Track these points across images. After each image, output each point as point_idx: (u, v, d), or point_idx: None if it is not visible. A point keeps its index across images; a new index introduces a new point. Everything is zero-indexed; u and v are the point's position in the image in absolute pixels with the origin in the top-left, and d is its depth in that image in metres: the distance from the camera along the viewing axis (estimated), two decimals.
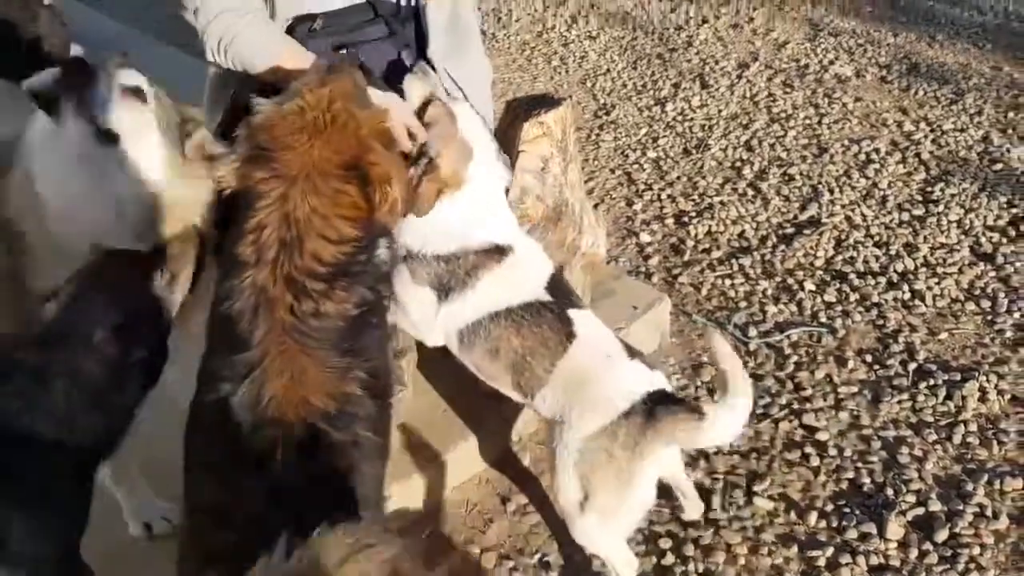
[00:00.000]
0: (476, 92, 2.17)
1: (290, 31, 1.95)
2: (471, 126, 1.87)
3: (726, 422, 1.69)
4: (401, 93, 1.84)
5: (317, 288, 1.41)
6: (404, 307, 1.90)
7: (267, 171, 1.46)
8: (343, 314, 1.43)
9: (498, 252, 1.84)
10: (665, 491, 1.93)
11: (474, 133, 1.87)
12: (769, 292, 2.83)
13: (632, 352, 1.84)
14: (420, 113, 1.86)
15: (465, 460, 2.17)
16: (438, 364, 2.33)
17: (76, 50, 4.11)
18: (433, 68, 2.06)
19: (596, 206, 3.31)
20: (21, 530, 1.32)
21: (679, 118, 3.85)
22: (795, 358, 2.56)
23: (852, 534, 2.02)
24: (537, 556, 2.03)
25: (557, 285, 1.89)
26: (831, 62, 4.21)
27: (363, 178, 1.48)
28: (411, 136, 1.76)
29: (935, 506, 2.07)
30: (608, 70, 4.30)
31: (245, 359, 1.37)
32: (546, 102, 2.22)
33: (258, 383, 1.36)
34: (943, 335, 2.60)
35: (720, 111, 3.87)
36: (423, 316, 1.89)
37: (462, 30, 2.22)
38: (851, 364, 2.52)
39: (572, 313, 1.83)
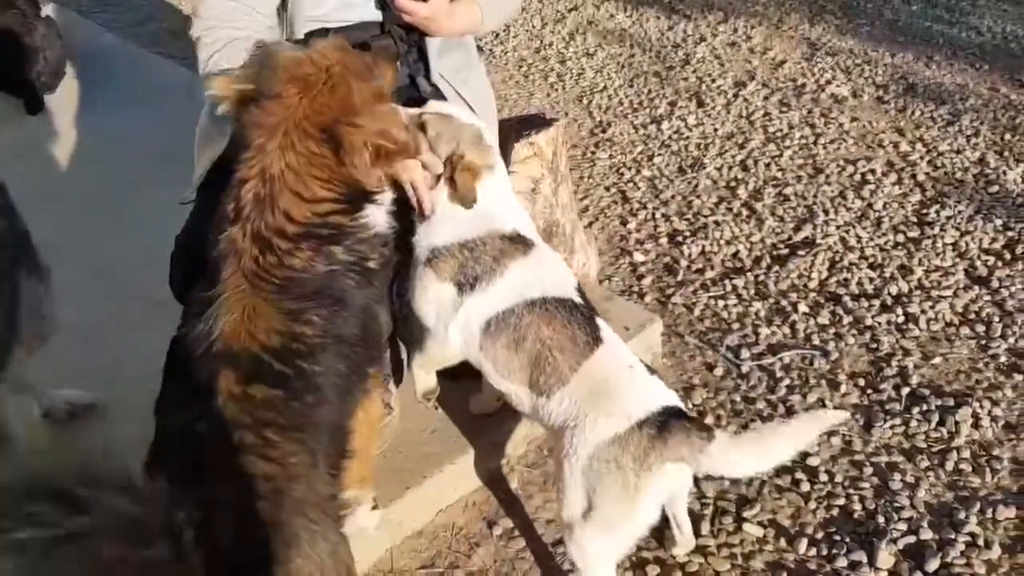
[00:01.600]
0: (482, 110, 2.16)
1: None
2: (468, 115, 1.90)
3: (729, 460, 1.69)
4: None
5: (282, 246, 1.49)
6: (421, 310, 1.90)
7: (254, 115, 1.52)
8: (309, 270, 1.51)
9: (523, 242, 1.86)
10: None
11: (474, 119, 1.90)
12: (762, 314, 2.81)
13: (651, 369, 1.83)
14: (420, 130, 1.84)
15: (451, 483, 2.14)
16: None
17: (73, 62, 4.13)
18: (435, 86, 2.06)
19: (591, 224, 3.30)
20: None
21: (675, 136, 3.84)
22: (787, 381, 2.54)
23: (842, 563, 1.99)
24: None
25: (582, 291, 1.90)
26: (828, 82, 4.20)
27: (338, 142, 1.51)
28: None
29: (926, 534, 2.05)
30: (605, 87, 4.29)
31: (206, 297, 1.48)
32: (537, 122, 2.22)
33: (212, 318, 1.45)
34: (937, 359, 2.58)
35: (716, 130, 3.86)
36: (441, 316, 1.88)
37: (465, 48, 2.22)
38: (844, 388, 2.50)
39: (599, 321, 1.84)
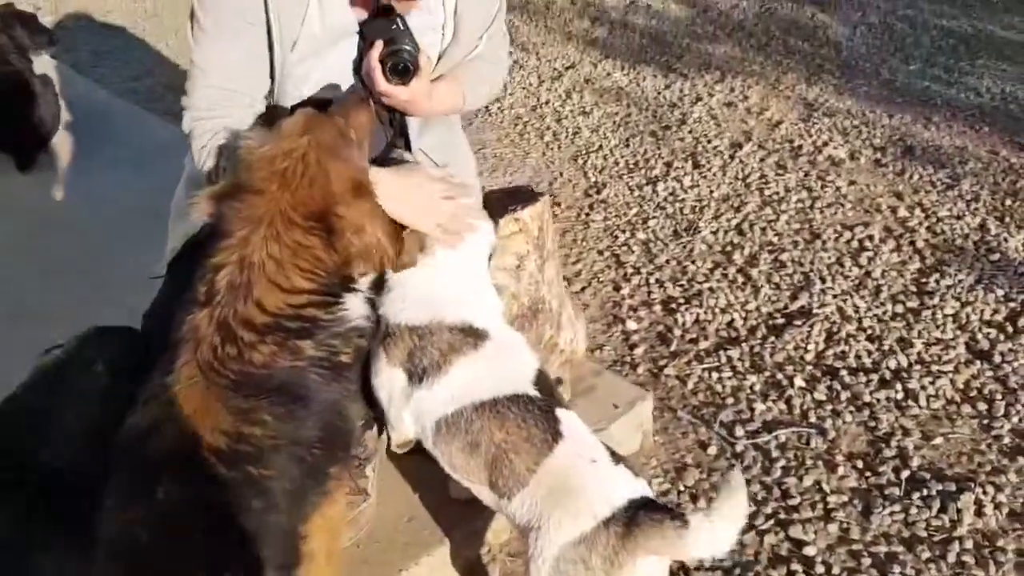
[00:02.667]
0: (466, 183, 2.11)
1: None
2: None
3: (712, 536, 1.58)
4: None
5: (246, 338, 1.44)
6: (376, 391, 1.83)
7: (236, 210, 1.48)
8: (270, 365, 1.45)
9: (474, 335, 1.77)
10: None
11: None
12: (757, 388, 2.73)
13: (617, 458, 1.73)
14: None
15: (430, 574, 2.05)
16: (404, 471, 2.24)
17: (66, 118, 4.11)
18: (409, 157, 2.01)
19: (583, 289, 3.23)
20: None
21: (670, 198, 3.79)
22: (783, 462, 2.45)
23: None
24: None
25: (544, 381, 1.80)
26: (825, 143, 4.16)
27: (328, 230, 1.48)
28: None
29: None
30: (600, 147, 4.25)
31: (156, 386, 1.42)
32: (524, 195, 2.16)
33: (158, 410, 1.40)
34: (938, 439, 2.49)
35: (711, 192, 3.81)
36: (393, 402, 1.81)
37: (447, 124, 2.18)
38: (841, 470, 2.41)
39: (559, 412, 1.74)
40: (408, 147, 2.00)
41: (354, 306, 1.55)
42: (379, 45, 1.78)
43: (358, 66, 1.87)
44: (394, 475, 2.21)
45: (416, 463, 2.23)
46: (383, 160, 1.87)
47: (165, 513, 1.33)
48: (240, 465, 1.40)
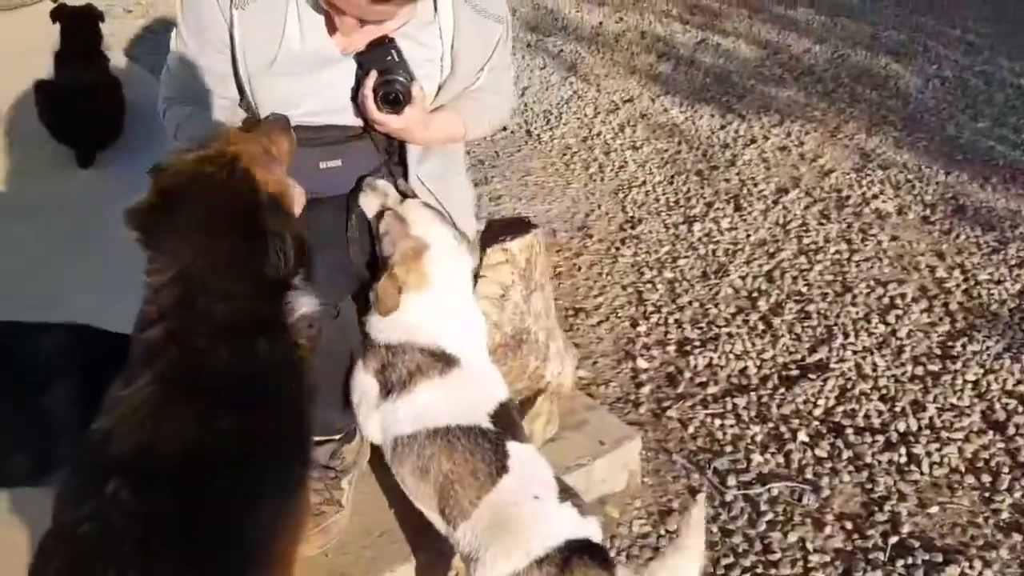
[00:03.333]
0: (460, 218, 2.14)
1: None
2: (424, 224, 1.89)
3: None
4: None
5: (202, 345, 1.47)
6: (351, 391, 1.92)
7: (163, 222, 1.53)
8: (229, 369, 1.48)
9: (444, 360, 1.82)
10: None
11: (429, 230, 1.88)
12: (759, 439, 2.69)
13: (566, 494, 1.74)
14: (377, 225, 1.87)
15: None
16: (382, 485, 2.28)
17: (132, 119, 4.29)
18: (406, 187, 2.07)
19: (599, 324, 3.24)
20: None
21: (705, 239, 3.77)
22: (770, 516, 2.41)
23: None
24: None
25: (504, 414, 1.83)
26: (874, 196, 4.08)
27: (255, 236, 1.52)
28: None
29: None
30: (644, 182, 4.26)
31: (119, 397, 1.45)
32: (519, 227, 2.19)
33: (116, 417, 1.42)
34: (934, 508, 2.42)
35: (748, 236, 3.78)
36: (362, 407, 1.91)
37: (447, 154, 2.21)
38: (829, 530, 2.36)
39: (511, 446, 1.76)
40: (405, 175, 2.05)
41: (298, 297, 1.58)
42: (373, 75, 1.85)
43: (356, 95, 1.94)
44: (371, 489, 2.24)
45: (394, 479, 2.28)
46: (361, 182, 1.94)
47: (110, 511, 1.34)
48: (196, 468, 1.43)
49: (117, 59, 4.40)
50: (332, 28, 1.90)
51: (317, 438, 2.15)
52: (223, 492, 1.45)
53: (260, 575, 1.60)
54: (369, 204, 1.91)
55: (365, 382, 1.88)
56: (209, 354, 1.49)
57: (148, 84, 4.74)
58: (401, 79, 1.84)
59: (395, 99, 1.84)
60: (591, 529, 1.71)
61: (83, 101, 4.01)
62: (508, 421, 1.81)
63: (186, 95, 1.97)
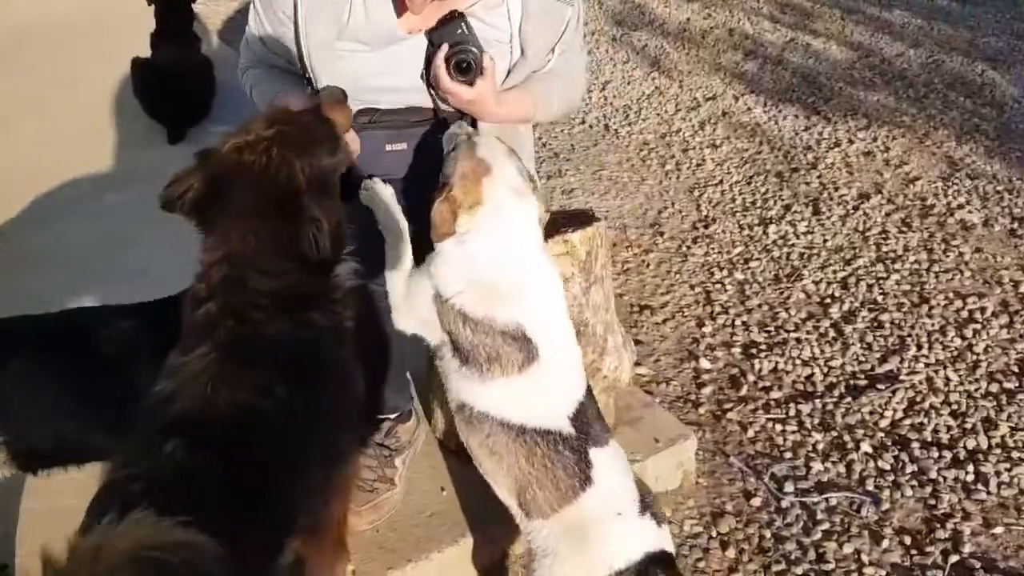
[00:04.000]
0: None
1: None
2: (490, 151, 1.77)
3: None
4: None
5: (257, 317, 1.54)
6: (392, 282, 1.84)
7: (214, 207, 1.59)
8: (284, 338, 1.55)
9: (526, 351, 1.70)
10: None
11: (495, 157, 1.75)
12: (820, 447, 2.64)
13: (645, 505, 1.73)
14: (448, 146, 1.84)
15: (436, 573, 2.11)
16: (435, 467, 2.32)
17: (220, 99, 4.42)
18: None
19: (665, 322, 3.22)
20: None
21: (779, 242, 3.70)
22: (827, 525, 2.37)
23: None
24: None
25: (583, 413, 1.74)
26: (960, 206, 3.95)
27: (294, 221, 1.57)
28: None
29: None
30: (721, 181, 4.20)
31: (172, 363, 1.52)
32: (582, 219, 2.19)
33: (176, 382, 1.49)
34: (999, 529, 2.34)
35: (825, 241, 3.70)
36: (412, 298, 1.81)
37: (516, 138, 2.23)
38: (886, 543, 2.31)
39: (594, 455, 1.71)
40: None
41: (344, 271, 1.65)
42: (445, 47, 1.88)
43: (424, 74, 1.97)
44: (425, 469, 2.29)
45: (449, 462, 2.32)
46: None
47: (164, 468, 1.40)
48: (251, 434, 1.49)
49: (210, 40, 4.54)
50: (400, 8, 1.93)
51: (376, 416, 2.20)
52: (273, 456, 1.50)
53: (306, 538, 1.66)
54: (450, 140, 1.85)
55: (426, 292, 1.77)
56: (266, 325, 1.55)
57: (230, 61, 4.88)
58: (472, 49, 1.87)
59: (467, 67, 1.87)
60: (666, 539, 1.72)
61: (175, 80, 4.17)
62: (588, 419, 1.74)
63: (259, 65, 2.08)
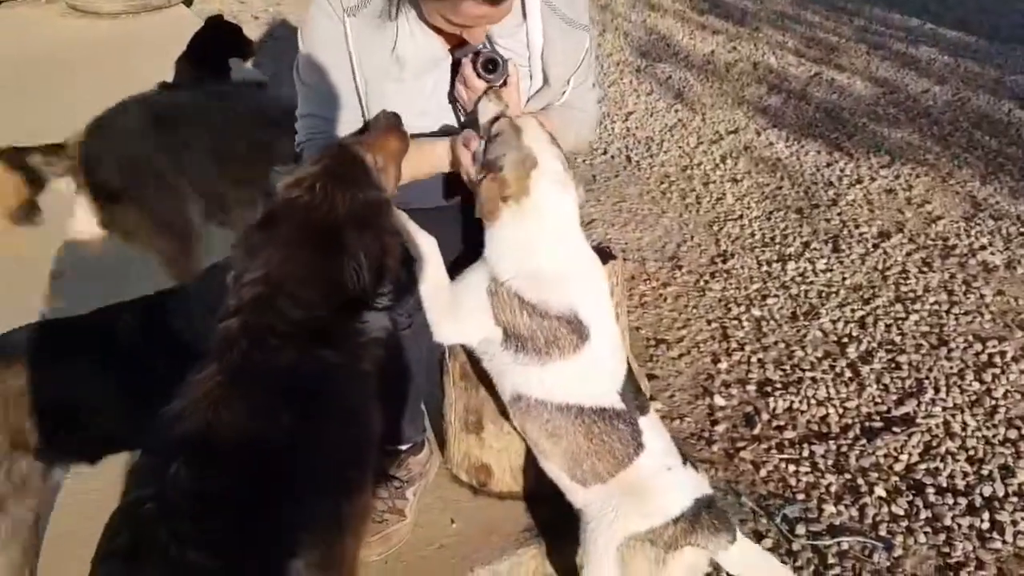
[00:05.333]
0: None
1: None
2: (537, 140, 1.88)
3: (746, 561, 1.90)
4: None
5: (271, 342, 1.56)
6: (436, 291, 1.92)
7: (262, 234, 1.65)
8: (294, 368, 1.57)
9: (579, 333, 1.84)
10: None
11: (540, 148, 1.88)
12: (833, 489, 2.62)
13: (684, 457, 1.93)
14: (489, 127, 1.90)
15: None
16: (447, 499, 2.32)
17: None
18: None
19: (680, 357, 3.22)
20: None
21: (798, 279, 3.69)
22: (838, 569, 2.35)
23: None
24: None
25: (629, 387, 1.92)
26: (983, 247, 3.92)
27: (337, 253, 1.62)
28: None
29: None
30: (741, 216, 4.20)
31: (187, 382, 1.54)
32: (599, 256, 2.19)
33: (186, 403, 1.51)
34: None
35: (844, 279, 3.69)
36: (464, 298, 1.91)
37: None
38: None
39: (642, 423, 1.89)
40: None
41: (374, 319, 1.67)
42: (470, 57, 1.91)
43: (452, 95, 1.99)
44: (435, 500, 2.30)
45: (460, 494, 2.33)
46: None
47: (171, 490, 1.42)
48: (253, 459, 1.51)
49: (238, 65, 4.59)
50: (436, 29, 1.95)
51: (388, 447, 2.21)
52: (273, 482, 1.51)
53: (311, 570, 1.67)
54: (487, 110, 1.92)
55: (489, 328, 1.88)
56: (276, 353, 1.57)
57: (266, 91, 4.94)
58: (498, 51, 1.92)
59: (494, 66, 1.90)
60: (706, 484, 1.92)
61: None
62: (632, 391, 1.91)
63: (317, 109, 2.00)
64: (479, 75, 1.93)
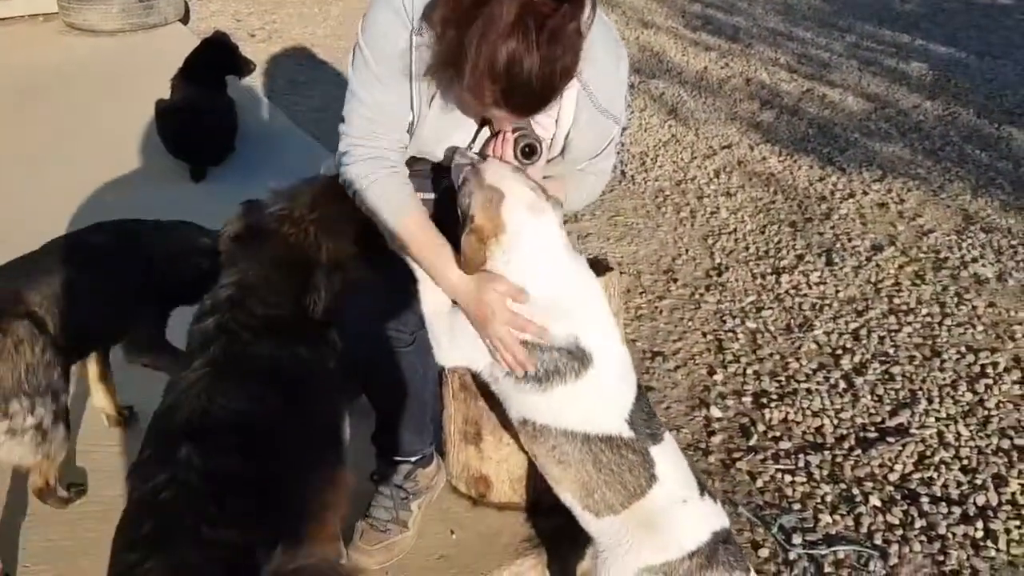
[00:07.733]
0: None
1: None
2: (499, 175, 1.81)
3: None
4: None
5: (245, 337, 1.75)
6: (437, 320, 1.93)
7: (243, 247, 1.88)
8: (271, 360, 1.75)
9: (581, 360, 1.78)
10: None
11: (504, 181, 1.79)
12: (829, 499, 2.65)
13: (702, 488, 1.86)
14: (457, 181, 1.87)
15: None
16: (450, 512, 2.34)
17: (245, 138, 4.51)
18: None
19: (676, 369, 3.24)
20: None
21: (792, 292, 3.73)
22: None
23: None
24: None
25: (638, 412, 1.83)
26: (974, 259, 3.97)
27: (304, 285, 1.84)
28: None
29: None
30: (735, 230, 4.24)
31: (181, 376, 1.70)
32: (595, 268, 2.22)
33: (180, 395, 1.66)
34: None
35: (837, 292, 3.72)
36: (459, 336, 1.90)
37: None
38: None
39: (654, 452, 1.82)
40: None
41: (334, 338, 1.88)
42: (510, 129, 1.88)
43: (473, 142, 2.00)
44: (436, 512, 2.32)
45: (461, 506, 2.35)
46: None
47: (186, 474, 1.53)
48: (248, 432, 1.64)
49: (235, 82, 4.63)
50: None
51: (396, 458, 2.23)
52: (270, 455, 1.64)
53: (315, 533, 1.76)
54: (457, 171, 1.86)
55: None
56: (251, 346, 1.75)
57: (262, 108, 4.99)
58: (537, 137, 1.89)
59: (531, 152, 1.89)
60: (723, 516, 1.86)
61: (196, 120, 4.23)
62: (643, 417, 1.83)
63: (371, 134, 1.88)
64: (517, 157, 1.89)
